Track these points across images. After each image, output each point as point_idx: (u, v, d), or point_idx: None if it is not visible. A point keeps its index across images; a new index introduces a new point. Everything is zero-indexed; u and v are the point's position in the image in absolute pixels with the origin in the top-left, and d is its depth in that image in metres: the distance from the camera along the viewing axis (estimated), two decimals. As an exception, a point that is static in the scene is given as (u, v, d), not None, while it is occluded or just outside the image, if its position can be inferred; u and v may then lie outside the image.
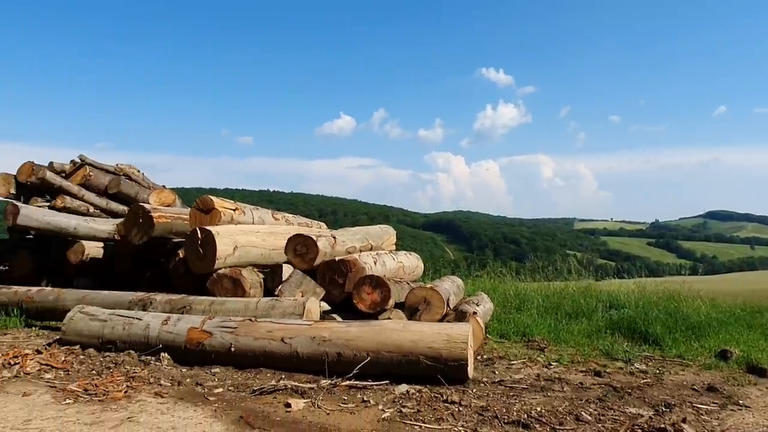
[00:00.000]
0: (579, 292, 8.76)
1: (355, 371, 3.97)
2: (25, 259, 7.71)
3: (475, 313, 5.57)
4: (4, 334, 5.81)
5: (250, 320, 4.57)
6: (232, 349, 4.35)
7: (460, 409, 3.51)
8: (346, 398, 3.69)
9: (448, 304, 5.74)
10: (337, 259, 6.08)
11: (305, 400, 3.58)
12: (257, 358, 4.31)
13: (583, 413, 3.47)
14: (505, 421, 3.30)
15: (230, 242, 5.93)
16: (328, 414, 3.36)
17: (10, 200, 7.45)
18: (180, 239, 6.81)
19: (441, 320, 5.35)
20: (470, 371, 4.13)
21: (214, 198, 6.64)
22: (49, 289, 6.72)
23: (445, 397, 3.69)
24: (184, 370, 4.29)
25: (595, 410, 3.55)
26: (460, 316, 5.51)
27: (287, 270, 5.96)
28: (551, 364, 4.98)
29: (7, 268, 7.83)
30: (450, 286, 6.61)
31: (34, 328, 6.18)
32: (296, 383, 3.87)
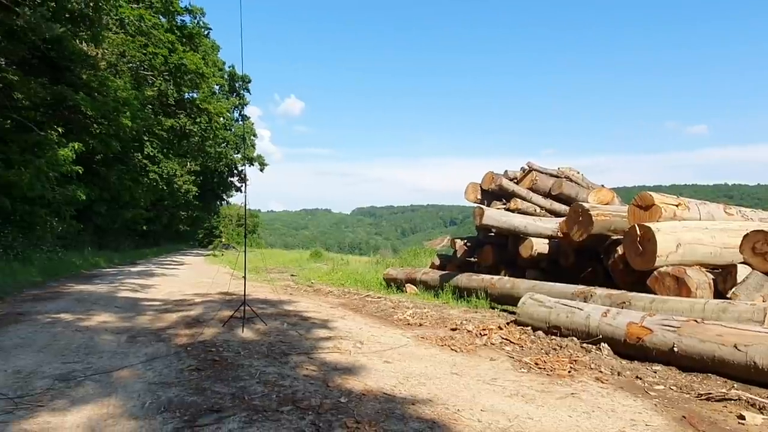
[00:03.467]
0: None
1: (839, 397, 3.21)
2: (489, 253, 9.34)
3: None
4: (475, 311, 7.24)
5: (695, 321, 4.27)
6: (675, 349, 4.17)
7: None
8: (825, 426, 3.03)
9: None
10: (815, 260, 4.95)
11: (764, 416, 3.14)
12: (703, 362, 4.00)
13: None
14: None
15: (672, 239, 5.67)
16: (796, 438, 2.86)
17: (478, 204, 9.16)
18: (618, 236, 6.91)
19: None
20: None
21: (653, 194, 6.46)
22: (506, 278, 7.97)
23: None
24: (623, 362, 4.39)
25: None
26: None
27: (743, 271, 5.25)
28: None
29: (476, 260, 9.65)
30: None
31: (495, 309, 7.45)
32: (753, 396, 3.42)
